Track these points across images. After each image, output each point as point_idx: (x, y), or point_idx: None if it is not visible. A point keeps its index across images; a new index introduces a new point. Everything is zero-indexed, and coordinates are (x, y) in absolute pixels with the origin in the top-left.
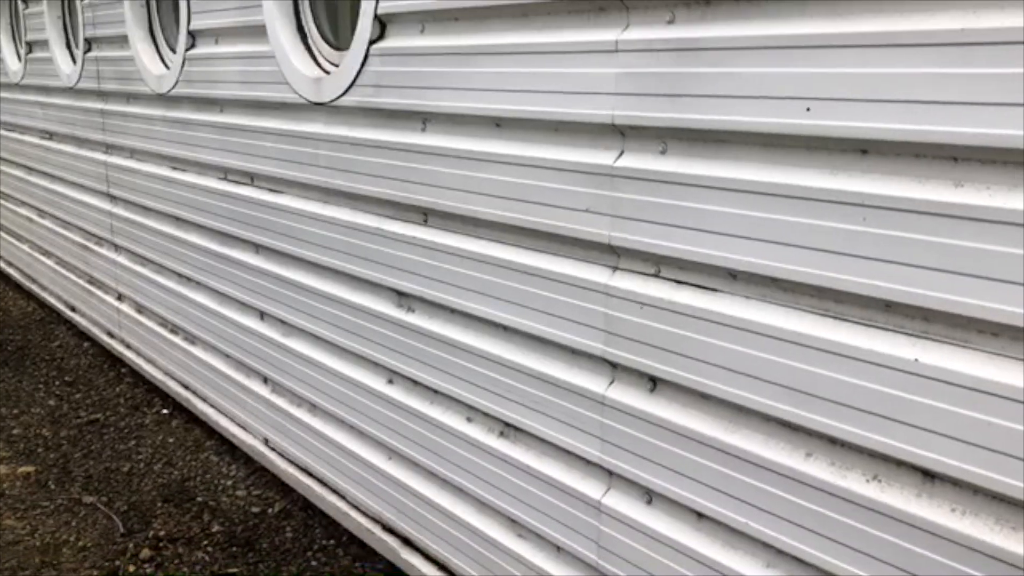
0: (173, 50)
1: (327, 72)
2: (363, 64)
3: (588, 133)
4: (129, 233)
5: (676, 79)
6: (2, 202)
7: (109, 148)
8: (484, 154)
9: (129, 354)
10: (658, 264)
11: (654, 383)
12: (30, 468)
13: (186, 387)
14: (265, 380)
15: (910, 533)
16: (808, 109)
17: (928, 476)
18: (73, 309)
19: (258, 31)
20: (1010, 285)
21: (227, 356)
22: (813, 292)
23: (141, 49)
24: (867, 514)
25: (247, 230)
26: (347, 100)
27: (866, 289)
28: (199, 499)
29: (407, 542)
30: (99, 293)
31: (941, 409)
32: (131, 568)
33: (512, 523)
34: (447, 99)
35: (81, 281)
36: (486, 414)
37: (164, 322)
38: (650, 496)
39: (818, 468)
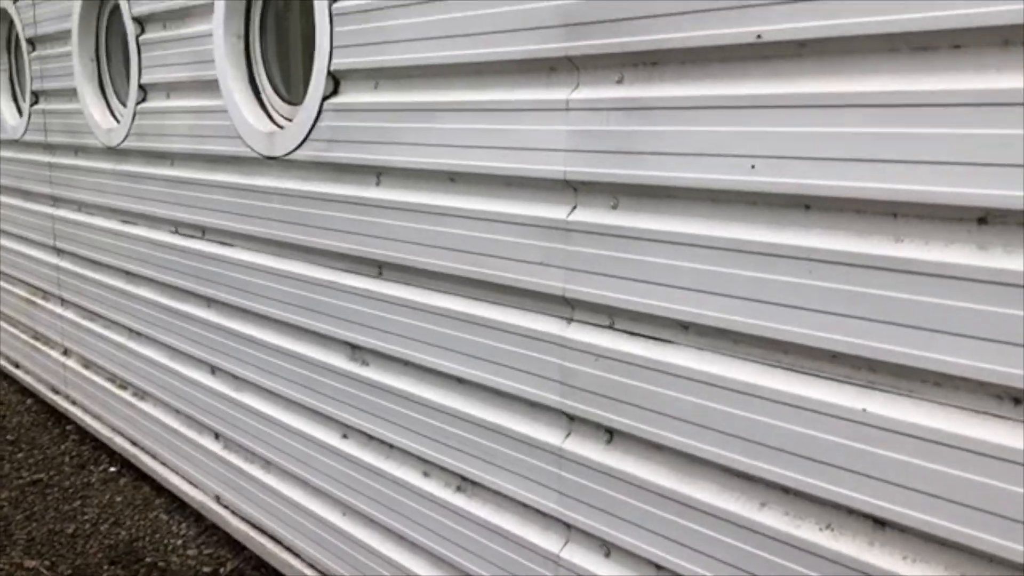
0: (123, 103)
1: (280, 127)
2: (317, 119)
3: (541, 188)
4: (76, 287)
5: (626, 137)
6: None
7: (56, 201)
8: (439, 207)
9: (75, 410)
10: (612, 316)
11: (611, 434)
12: None
13: (135, 443)
14: (217, 436)
15: None
16: (753, 166)
17: (879, 524)
18: (16, 365)
19: (211, 85)
20: (950, 336)
21: (177, 412)
22: (762, 343)
23: (90, 102)
24: (822, 563)
25: (198, 283)
26: (300, 154)
27: (813, 340)
28: (148, 559)
29: None
30: (44, 348)
31: (889, 458)
32: None
33: None
34: (401, 154)
35: (25, 336)
36: (443, 468)
37: (112, 377)
38: (608, 549)
39: (773, 518)
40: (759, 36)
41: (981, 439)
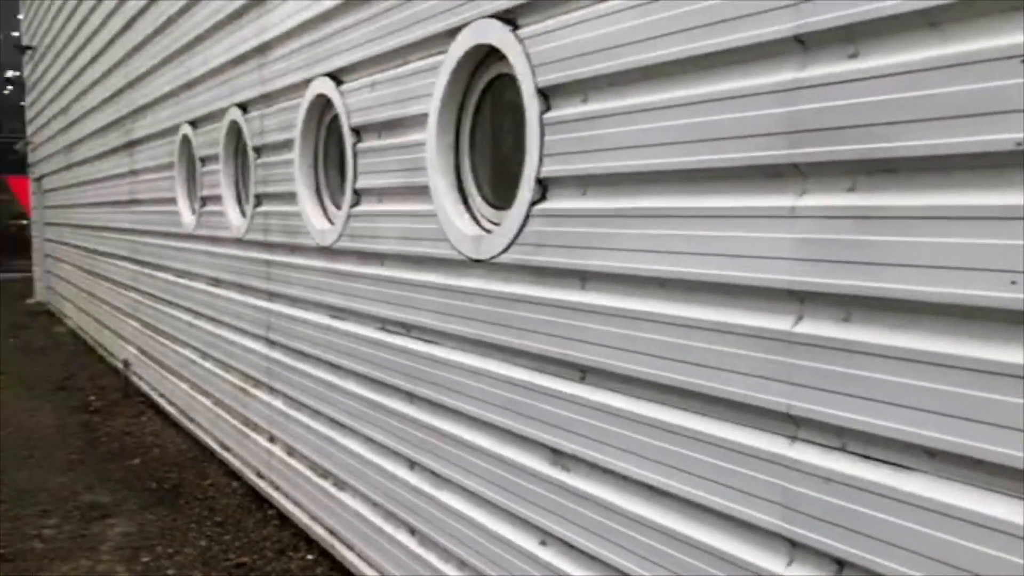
0: (337, 207)
1: (487, 230)
2: (524, 223)
3: (762, 297)
4: (285, 377)
5: (860, 246)
6: (168, 343)
7: (272, 296)
8: (647, 314)
9: (277, 496)
10: (843, 437)
11: (840, 566)
12: None
13: (332, 533)
14: (412, 531)
15: None
16: (1014, 282)
17: None
18: (226, 448)
19: (422, 191)
20: None
21: (375, 504)
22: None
23: (307, 205)
24: None
25: (402, 379)
26: (506, 257)
27: None
28: None
29: None
30: (252, 434)
31: None
32: None
33: None
34: (608, 259)
35: (236, 421)
36: None
37: (314, 466)
38: None
39: None
40: (1019, 144)
41: None
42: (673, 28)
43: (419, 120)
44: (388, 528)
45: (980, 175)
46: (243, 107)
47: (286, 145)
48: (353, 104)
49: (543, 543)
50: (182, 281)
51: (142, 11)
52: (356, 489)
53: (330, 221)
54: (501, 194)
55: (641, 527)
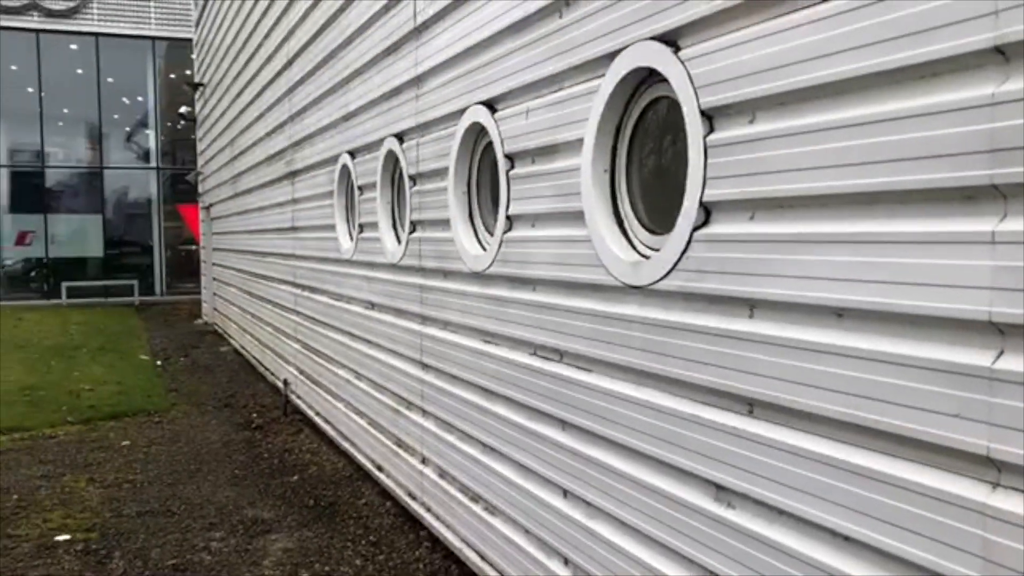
0: (490, 232)
1: (644, 256)
2: (685, 249)
3: (956, 329)
4: (438, 400)
5: None
6: (325, 364)
7: (425, 320)
8: (823, 345)
9: (428, 517)
10: None
11: None
12: None
13: (483, 558)
14: (566, 562)
15: None
16: None
17: None
18: (380, 468)
19: (576, 216)
20: None
21: (527, 531)
22: None
23: (461, 231)
24: None
25: (554, 406)
26: (666, 284)
27: None
28: None
29: None
30: (405, 455)
31: None
32: None
33: None
34: (779, 286)
35: (389, 442)
36: None
37: (465, 489)
38: None
39: None
40: None
41: None
42: (853, 44)
43: (573, 146)
44: (540, 556)
45: None
46: (399, 137)
47: (440, 173)
48: (507, 131)
49: None
50: (339, 304)
51: (303, 49)
52: (507, 515)
53: (483, 247)
54: (658, 219)
55: (814, 570)
